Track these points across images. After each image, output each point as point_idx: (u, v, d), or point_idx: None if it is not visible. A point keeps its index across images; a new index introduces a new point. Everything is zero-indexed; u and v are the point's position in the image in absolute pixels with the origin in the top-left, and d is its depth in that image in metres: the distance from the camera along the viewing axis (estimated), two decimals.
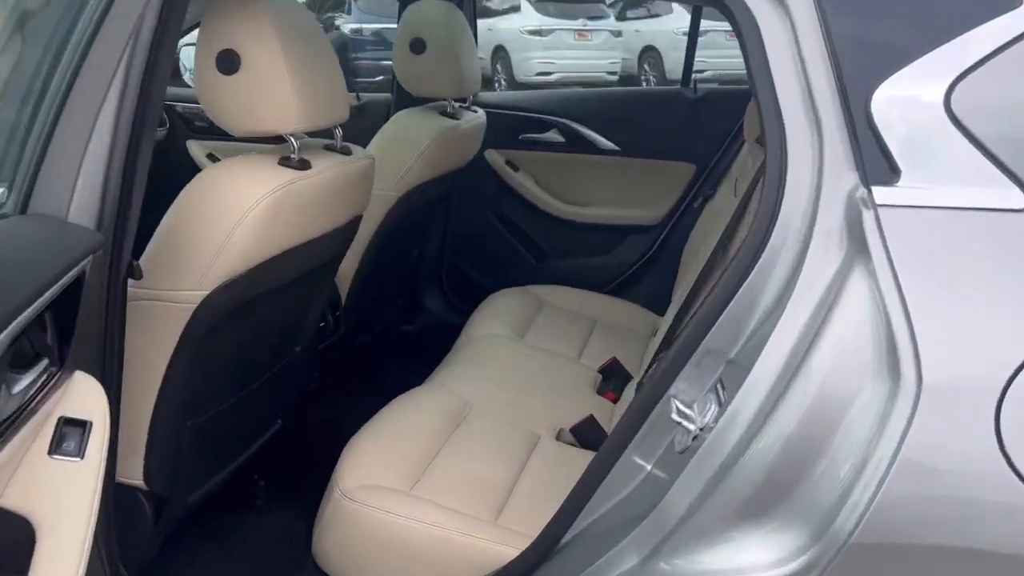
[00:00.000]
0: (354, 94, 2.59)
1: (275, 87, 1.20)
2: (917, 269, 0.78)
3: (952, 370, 0.76)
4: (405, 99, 2.14)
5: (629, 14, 10.86)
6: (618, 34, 10.56)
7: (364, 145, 2.15)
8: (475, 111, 2.18)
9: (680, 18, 9.00)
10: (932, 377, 0.74)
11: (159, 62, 0.99)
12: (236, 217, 1.17)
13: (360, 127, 2.51)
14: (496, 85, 9.92)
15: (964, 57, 0.82)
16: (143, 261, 1.18)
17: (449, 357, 1.83)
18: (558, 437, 1.58)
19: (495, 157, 2.40)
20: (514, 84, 9.90)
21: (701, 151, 2.29)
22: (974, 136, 0.80)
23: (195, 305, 1.18)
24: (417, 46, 1.92)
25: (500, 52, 10.18)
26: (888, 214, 0.80)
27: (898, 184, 0.82)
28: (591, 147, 2.39)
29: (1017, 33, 0.81)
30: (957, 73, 0.81)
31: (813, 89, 0.86)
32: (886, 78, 0.83)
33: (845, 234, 0.83)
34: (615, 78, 10.04)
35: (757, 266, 0.88)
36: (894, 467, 0.74)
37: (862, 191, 0.82)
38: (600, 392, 1.78)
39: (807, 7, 0.87)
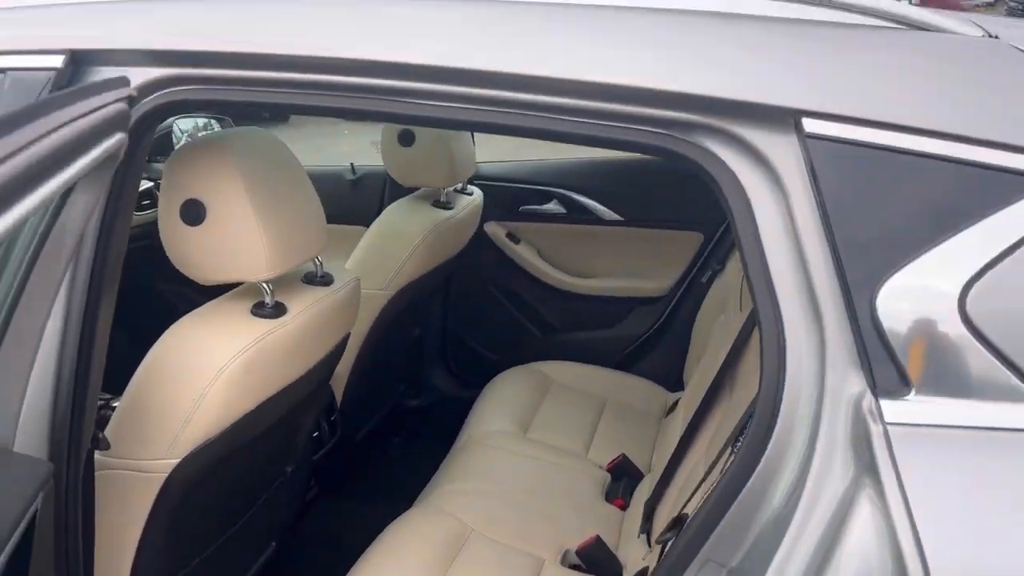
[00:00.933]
0: (350, 166, 2.53)
1: (242, 236, 1.14)
2: (932, 498, 0.69)
3: None
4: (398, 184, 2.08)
5: None
6: None
7: (362, 219, 2.10)
8: (470, 192, 2.11)
9: None
10: None
11: (106, 270, 0.93)
12: (208, 378, 1.11)
13: (356, 203, 2.46)
14: None
15: (983, 250, 0.73)
16: (110, 428, 1.12)
17: (448, 464, 1.76)
18: (563, 561, 1.50)
19: (496, 230, 2.33)
20: None
21: (707, 219, 2.20)
22: (993, 344, 0.71)
23: (165, 474, 1.12)
24: (405, 138, 1.86)
25: None
26: (899, 432, 0.71)
27: (909, 398, 0.73)
28: (593, 217, 2.31)
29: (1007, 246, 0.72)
30: (975, 269, 0.72)
31: (813, 280, 0.78)
32: (894, 272, 0.74)
33: (851, 449, 0.74)
34: None
35: (757, 471, 0.80)
36: None
37: (870, 401, 0.74)
38: (609, 498, 1.70)
39: (804, 188, 0.79)
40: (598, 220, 2.31)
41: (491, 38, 0.90)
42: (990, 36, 0.86)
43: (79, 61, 0.97)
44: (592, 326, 2.35)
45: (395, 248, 1.82)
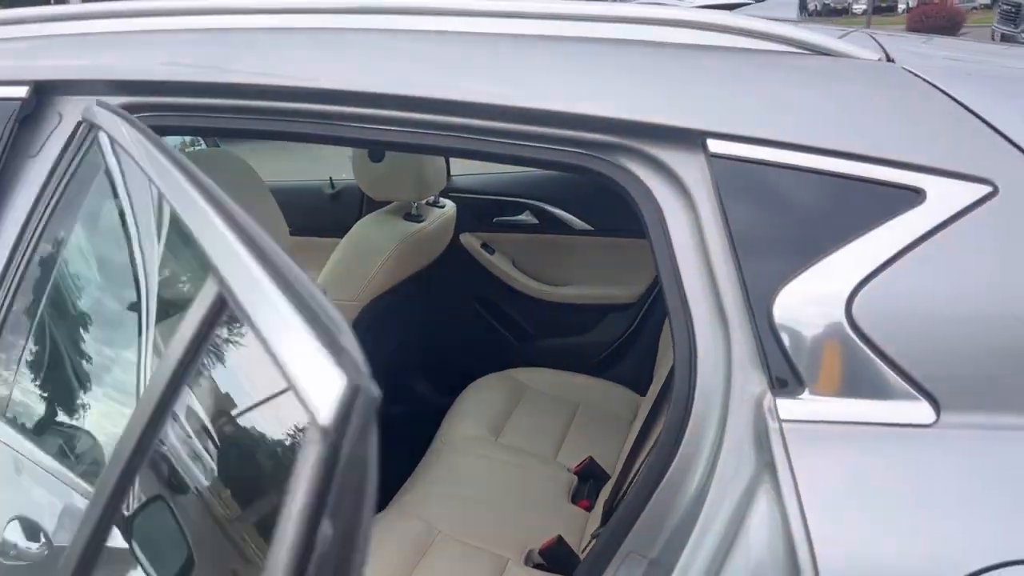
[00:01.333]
0: (329, 180, 2.59)
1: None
2: (820, 491, 0.75)
3: None
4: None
5: None
6: None
7: (340, 231, 2.18)
8: (442, 206, 2.18)
9: None
10: None
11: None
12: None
13: (335, 216, 2.52)
14: None
15: (867, 258, 0.79)
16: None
17: (420, 468, 1.81)
18: (526, 560, 1.55)
19: (471, 240, 2.40)
20: None
21: None
22: (876, 346, 0.77)
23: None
24: (375, 154, 1.92)
25: None
26: (793, 428, 0.77)
27: (803, 396, 0.79)
28: (565, 227, 2.37)
29: (923, 232, 0.78)
30: (861, 277, 0.78)
31: (720, 288, 0.83)
32: (789, 280, 0.80)
33: (754, 446, 0.80)
34: None
35: (672, 467, 0.86)
36: None
37: (769, 400, 0.80)
38: (574, 499, 1.76)
39: (710, 202, 0.85)
40: (570, 230, 2.37)
41: (427, 70, 0.97)
42: (888, 59, 0.92)
43: (42, 91, 1.04)
44: (567, 332, 2.40)
45: (365, 260, 1.88)
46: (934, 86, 0.85)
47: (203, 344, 0.63)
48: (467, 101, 0.92)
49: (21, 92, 1.02)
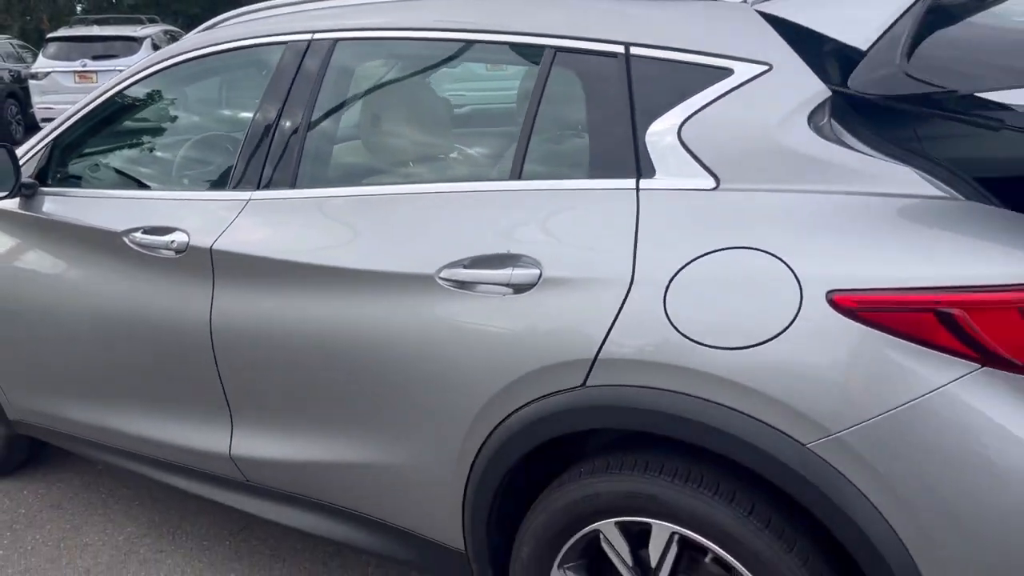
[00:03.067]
0: None
1: None
2: (654, 219, 1.46)
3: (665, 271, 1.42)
4: None
5: None
6: None
7: None
8: None
9: None
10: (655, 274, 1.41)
11: None
12: None
13: None
14: None
15: (690, 107, 1.48)
16: None
17: None
18: None
19: None
20: None
21: None
22: (690, 151, 1.47)
23: None
24: None
25: None
26: (647, 195, 1.49)
27: (654, 178, 1.50)
28: None
29: (719, 94, 1.47)
30: (684, 116, 1.48)
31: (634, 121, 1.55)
32: (653, 120, 1.52)
33: (634, 200, 1.51)
34: None
35: None
36: None
37: (636, 183, 1.51)
38: None
39: (622, 79, 1.57)
40: None
41: None
42: (744, 1, 1.57)
43: None
44: None
45: None
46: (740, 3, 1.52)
47: None
48: None
49: None
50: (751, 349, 1.33)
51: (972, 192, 1.35)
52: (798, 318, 1.30)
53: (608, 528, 1.56)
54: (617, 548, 1.56)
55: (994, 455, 1.21)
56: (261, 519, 2.18)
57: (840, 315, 1.28)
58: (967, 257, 1.25)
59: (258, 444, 2.04)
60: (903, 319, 1.25)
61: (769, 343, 1.32)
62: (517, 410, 1.57)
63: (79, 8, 24.11)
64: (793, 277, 1.32)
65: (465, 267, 1.63)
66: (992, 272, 1.22)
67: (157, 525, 2.65)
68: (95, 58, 11.46)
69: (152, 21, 14.01)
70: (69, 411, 2.46)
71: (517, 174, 1.67)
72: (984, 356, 1.22)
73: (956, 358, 1.23)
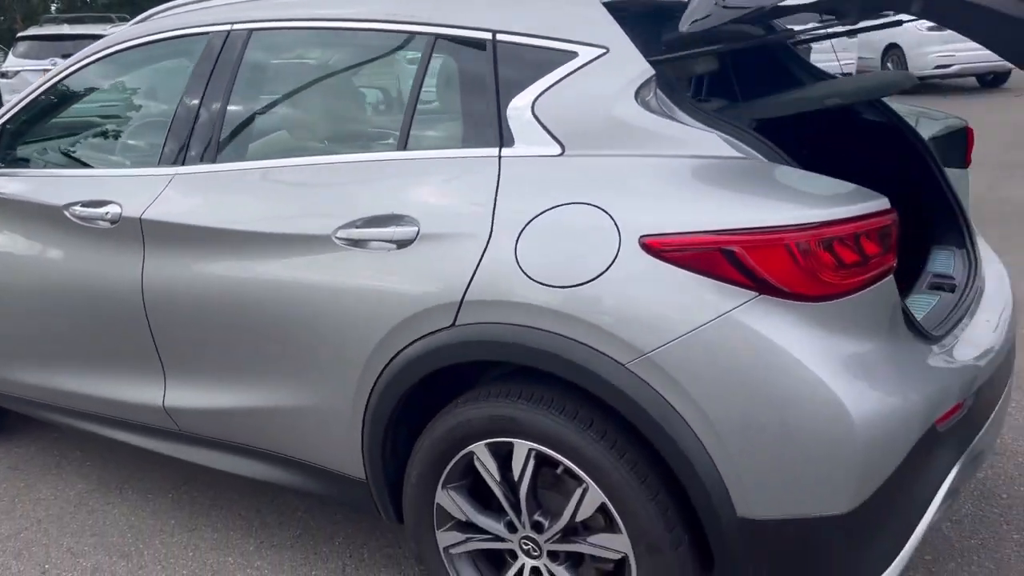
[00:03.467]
0: None
1: None
2: (511, 182, 1.71)
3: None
4: None
5: None
6: None
7: None
8: None
9: None
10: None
11: None
12: None
13: None
14: None
15: (542, 85, 1.73)
16: None
17: None
18: None
19: None
20: None
21: None
22: (542, 123, 1.72)
23: None
24: None
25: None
26: (507, 161, 1.74)
27: (515, 147, 1.75)
28: None
29: (565, 74, 1.72)
30: (537, 93, 1.73)
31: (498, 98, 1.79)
32: (513, 97, 1.76)
33: (496, 166, 1.75)
34: None
35: None
36: None
37: (499, 151, 1.76)
38: None
39: (489, 60, 1.81)
40: None
41: None
42: None
43: None
44: None
45: None
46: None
47: None
48: None
49: None
50: (582, 286, 1.58)
51: (771, 154, 1.62)
52: (617, 259, 1.56)
53: (479, 449, 1.80)
54: (488, 466, 1.81)
55: (768, 364, 1.47)
56: (197, 468, 2.41)
57: (649, 256, 1.53)
58: (748, 206, 1.51)
59: (187, 395, 2.27)
60: (697, 257, 1.50)
61: (595, 280, 1.57)
62: (402, 350, 1.81)
63: (53, 8, 24.03)
64: (614, 226, 1.57)
65: (357, 227, 1.87)
66: (765, 217, 1.48)
67: (105, 482, 2.87)
68: (65, 56, 11.50)
69: (123, 20, 14.10)
70: (20, 375, 2.67)
71: (403, 146, 1.91)
72: (760, 285, 1.48)
73: (739, 288, 1.48)
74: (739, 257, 1.47)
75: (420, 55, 1.92)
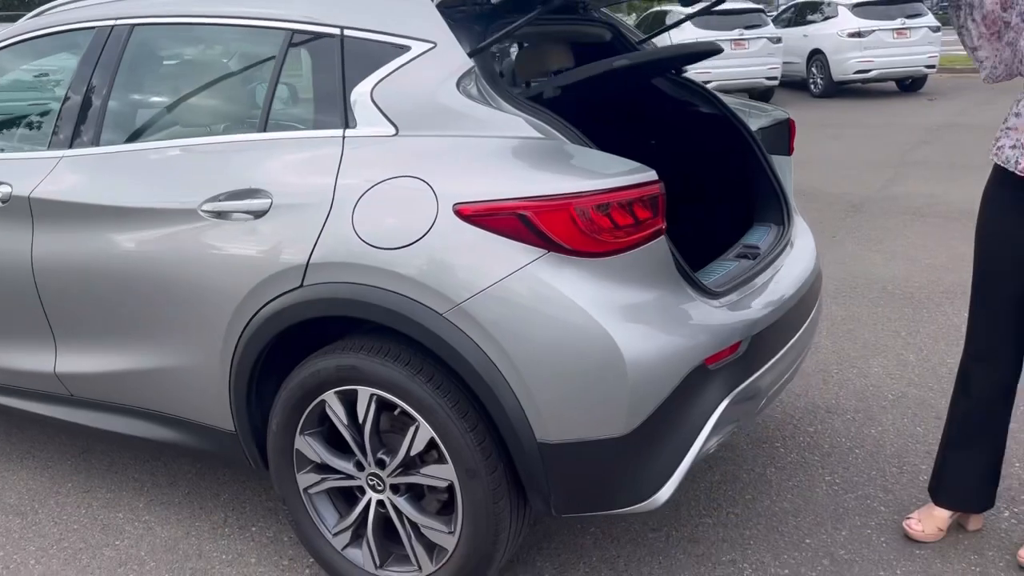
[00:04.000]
0: None
1: None
2: (351, 159, 1.95)
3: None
4: None
5: None
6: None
7: None
8: None
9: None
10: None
11: None
12: None
13: None
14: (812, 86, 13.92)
15: (380, 75, 1.98)
16: None
17: None
18: None
19: None
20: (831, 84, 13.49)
21: None
22: (379, 107, 1.96)
23: None
24: None
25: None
26: (349, 140, 1.98)
27: (356, 128, 1.99)
28: None
29: (399, 65, 1.97)
30: (376, 81, 1.98)
31: (344, 86, 2.04)
32: (356, 84, 2.01)
33: (340, 145, 1.99)
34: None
35: None
36: None
37: (343, 132, 2.00)
38: None
39: (338, 57, 2.05)
40: None
41: None
42: None
43: None
44: None
45: None
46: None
47: None
48: None
49: None
50: (407, 247, 1.83)
51: (571, 136, 1.89)
52: (435, 224, 1.81)
53: (330, 397, 2.04)
54: (337, 412, 2.04)
55: (556, 310, 1.74)
56: (96, 438, 2.59)
57: (461, 220, 1.79)
58: (540, 178, 1.78)
59: (76, 361, 2.46)
60: (499, 221, 1.76)
61: (418, 242, 1.82)
62: (259, 310, 2.04)
63: None
64: (434, 195, 1.82)
65: (220, 201, 2.09)
66: (553, 187, 1.75)
67: (7, 453, 3.02)
68: None
69: None
70: None
71: (263, 128, 2.14)
72: (549, 244, 1.74)
73: (532, 247, 1.75)
74: (531, 220, 1.74)
75: (279, 48, 2.15)
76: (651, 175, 1.81)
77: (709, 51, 2.56)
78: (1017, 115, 2.00)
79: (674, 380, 1.81)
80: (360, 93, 2.01)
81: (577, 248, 1.75)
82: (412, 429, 1.94)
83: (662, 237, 1.85)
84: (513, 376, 1.78)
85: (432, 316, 1.82)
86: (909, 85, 13.99)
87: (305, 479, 2.15)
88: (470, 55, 1.97)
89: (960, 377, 2.25)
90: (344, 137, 2.01)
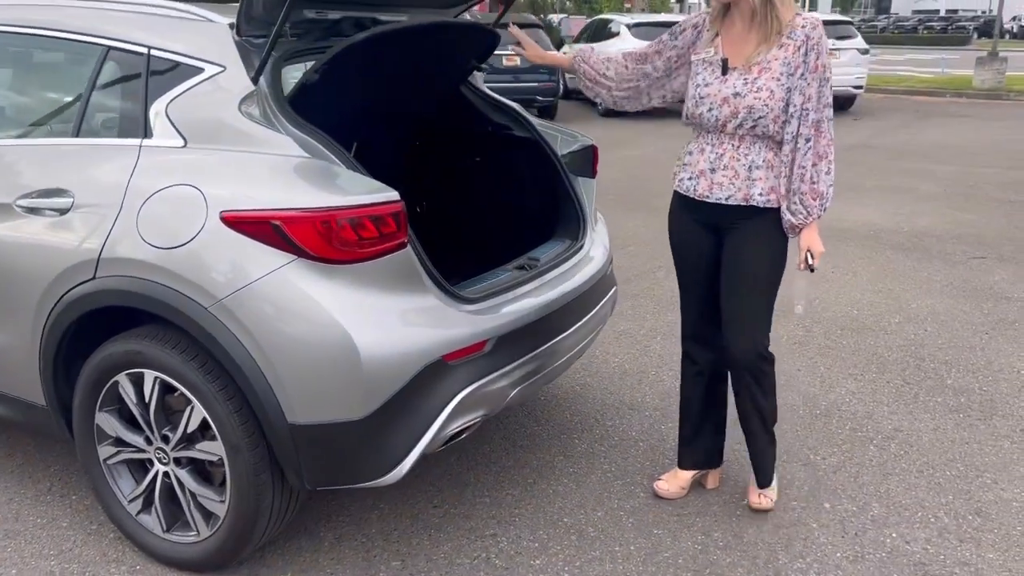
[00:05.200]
0: None
1: None
2: (144, 166, 2.18)
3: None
4: None
5: None
6: None
7: None
8: None
9: None
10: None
11: None
12: None
13: None
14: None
15: (176, 92, 2.22)
16: None
17: None
18: None
19: None
20: None
21: None
22: (172, 122, 2.20)
23: None
24: None
25: None
26: (144, 150, 2.21)
27: (152, 138, 2.23)
28: None
29: (192, 84, 2.21)
30: (172, 98, 2.22)
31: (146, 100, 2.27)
32: (155, 100, 2.24)
33: (136, 153, 2.23)
34: None
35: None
36: None
37: (141, 142, 2.23)
38: None
39: (144, 73, 2.28)
40: None
41: None
42: (209, 20, 2.32)
43: None
44: None
45: None
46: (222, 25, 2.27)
47: None
48: None
49: None
50: (179, 248, 2.08)
51: (339, 156, 2.16)
52: (204, 227, 2.06)
53: (122, 378, 2.28)
54: (127, 392, 2.28)
55: (303, 309, 2.00)
56: None
57: (226, 226, 2.04)
58: (296, 192, 2.04)
59: None
60: (257, 228, 2.02)
61: (189, 243, 2.07)
62: (62, 296, 2.27)
63: None
64: (205, 202, 2.07)
65: (32, 198, 2.31)
66: (305, 200, 2.01)
67: None
68: None
69: None
70: None
71: (76, 133, 2.37)
72: (298, 251, 2.01)
73: (284, 252, 2.01)
74: (282, 229, 2.00)
75: (96, 61, 2.38)
76: (392, 195, 2.08)
77: (483, 33, 2.84)
78: (690, 153, 2.52)
79: (409, 372, 2.08)
80: (158, 107, 2.25)
81: (323, 256, 2.01)
82: (188, 409, 2.19)
83: (407, 249, 2.12)
84: (266, 365, 2.04)
85: (199, 310, 2.07)
86: (841, 105, 14.50)
87: (104, 451, 2.39)
88: (253, 80, 2.20)
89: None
90: (141, 146, 2.24)
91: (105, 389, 2.32)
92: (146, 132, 2.26)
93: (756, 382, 2.52)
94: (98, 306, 2.23)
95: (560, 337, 2.57)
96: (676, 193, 2.58)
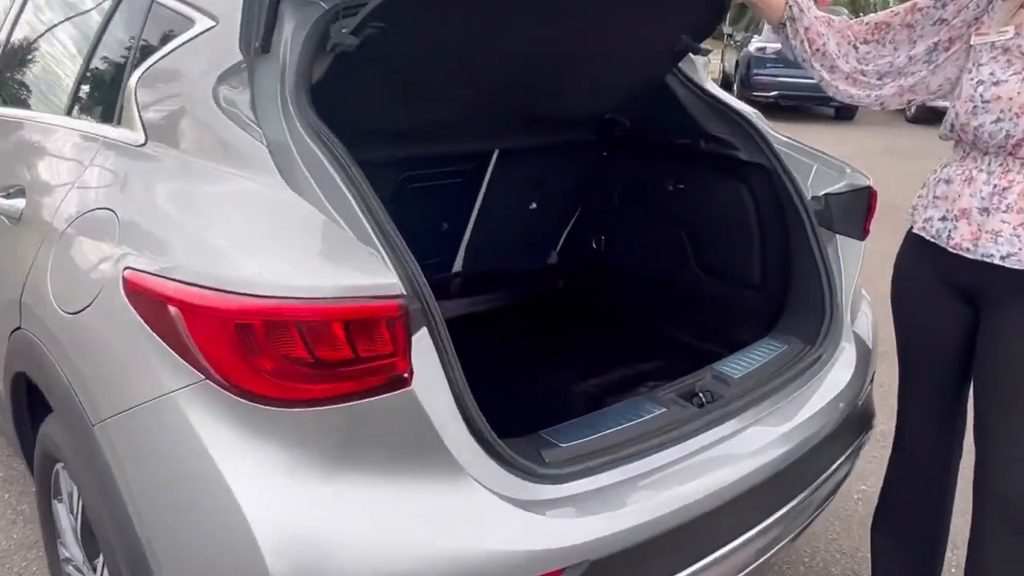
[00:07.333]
0: None
1: None
2: (89, 173, 1.41)
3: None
4: None
5: None
6: None
7: None
8: None
9: None
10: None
11: None
12: None
13: None
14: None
15: (153, 59, 1.40)
16: None
17: None
18: None
19: None
20: None
21: None
22: (138, 104, 1.39)
23: None
24: None
25: None
26: (103, 144, 1.44)
27: (118, 127, 1.44)
28: None
29: (177, 45, 1.37)
30: (145, 69, 1.41)
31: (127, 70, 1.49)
32: (135, 70, 1.45)
33: (96, 151, 1.46)
34: None
35: None
36: None
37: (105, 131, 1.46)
38: None
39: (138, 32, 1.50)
40: None
41: None
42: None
43: None
44: None
45: None
46: None
47: None
48: None
49: None
50: (79, 314, 1.26)
51: (362, 204, 1.18)
52: (103, 288, 1.21)
53: (61, 470, 1.56)
54: (69, 491, 1.56)
55: (196, 483, 1.07)
56: None
57: (124, 294, 1.17)
58: (225, 259, 1.09)
59: None
60: (153, 312, 1.12)
61: (86, 309, 1.24)
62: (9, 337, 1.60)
63: None
64: (117, 243, 1.23)
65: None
66: (230, 273, 1.06)
67: None
68: None
69: None
70: None
71: (68, 112, 1.67)
72: (203, 369, 1.07)
73: (186, 364, 1.09)
74: (181, 321, 1.07)
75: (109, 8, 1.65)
76: (388, 281, 1.05)
77: None
78: (947, 181, 1.57)
79: None
80: (132, 81, 1.45)
81: (241, 385, 1.06)
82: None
83: (410, 389, 1.09)
84: (148, 527, 1.15)
85: (83, 426, 1.24)
86: (838, 111, 11.13)
87: (62, 551, 1.71)
88: (262, 46, 1.29)
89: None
90: (101, 139, 1.47)
91: (53, 475, 1.63)
92: (118, 118, 1.48)
93: None
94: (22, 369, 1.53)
95: (736, 544, 1.36)
96: (913, 236, 1.64)
